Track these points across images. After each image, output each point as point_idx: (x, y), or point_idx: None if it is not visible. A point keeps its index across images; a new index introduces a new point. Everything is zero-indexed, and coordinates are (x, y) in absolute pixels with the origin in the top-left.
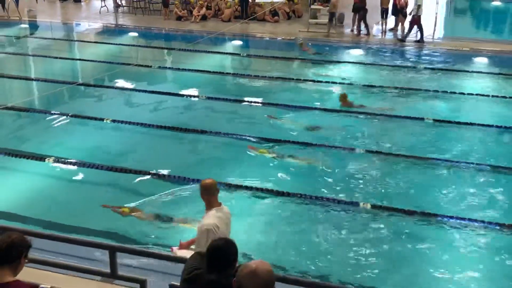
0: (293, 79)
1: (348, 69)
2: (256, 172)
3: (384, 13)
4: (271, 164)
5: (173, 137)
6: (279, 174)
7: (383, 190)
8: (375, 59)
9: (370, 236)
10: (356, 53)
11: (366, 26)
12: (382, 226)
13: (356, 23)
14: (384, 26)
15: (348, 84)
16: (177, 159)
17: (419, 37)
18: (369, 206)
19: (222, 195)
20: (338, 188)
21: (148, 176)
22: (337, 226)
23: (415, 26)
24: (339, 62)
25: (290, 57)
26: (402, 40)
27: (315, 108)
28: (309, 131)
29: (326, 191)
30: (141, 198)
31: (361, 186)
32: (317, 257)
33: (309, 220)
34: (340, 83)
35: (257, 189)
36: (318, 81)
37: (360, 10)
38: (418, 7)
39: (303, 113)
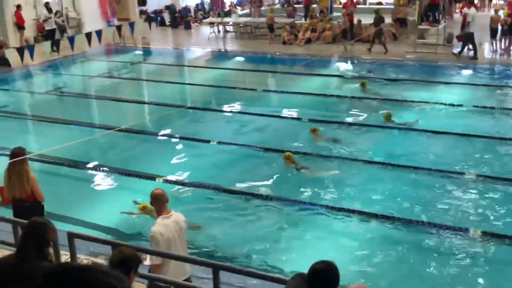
0: (401, 100)
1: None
2: (363, 195)
3: (494, 33)
4: (374, 188)
5: (278, 159)
6: (382, 198)
7: (491, 217)
8: (486, 80)
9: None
10: (468, 74)
11: (474, 46)
12: (493, 255)
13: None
14: (494, 46)
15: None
16: (282, 181)
17: None
18: (479, 233)
19: (323, 218)
20: (447, 214)
21: (252, 197)
22: (445, 254)
23: None
24: (450, 83)
25: (396, 79)
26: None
27: (443, 132)
28: (421, 154)
29: (428, 216)
30: (243, 219)
31: (469, 212)
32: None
33: (413, 245)
34: (450, 104)
35: (360, 212)
36: (428, 102)
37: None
38: None
39: (424, 136)
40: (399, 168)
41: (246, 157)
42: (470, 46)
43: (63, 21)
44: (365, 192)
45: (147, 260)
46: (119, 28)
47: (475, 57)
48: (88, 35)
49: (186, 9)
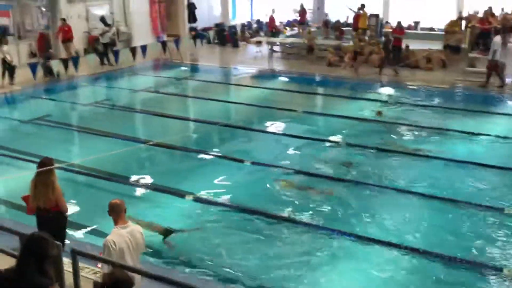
0: (447, 129)
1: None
2: (395, 225)
3: None
4: (409, 219)
5: (310, 182)
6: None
7: None
8: None
9: None
10: None
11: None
12: None
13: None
14: None
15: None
16: (312, 205)
17: None
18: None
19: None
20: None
21: (283, 221)
22: None
23: None
24: (497, 114)
25: (443, 107)
26: None
27: (484, 165)
28: (460, 186)
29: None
30: (266, 242)
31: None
32: None
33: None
34: (496, 136)
35: (391, 244)
36: (472, 133)
37: None
38: None
39: (465, 167)
40: (435, 199)
41: (277, 179)
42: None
43: (113, 34)
44: (397, 222)
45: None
46: (164, 43)
47: (501, 85)
48: (133, 50)
49: (234, 28)
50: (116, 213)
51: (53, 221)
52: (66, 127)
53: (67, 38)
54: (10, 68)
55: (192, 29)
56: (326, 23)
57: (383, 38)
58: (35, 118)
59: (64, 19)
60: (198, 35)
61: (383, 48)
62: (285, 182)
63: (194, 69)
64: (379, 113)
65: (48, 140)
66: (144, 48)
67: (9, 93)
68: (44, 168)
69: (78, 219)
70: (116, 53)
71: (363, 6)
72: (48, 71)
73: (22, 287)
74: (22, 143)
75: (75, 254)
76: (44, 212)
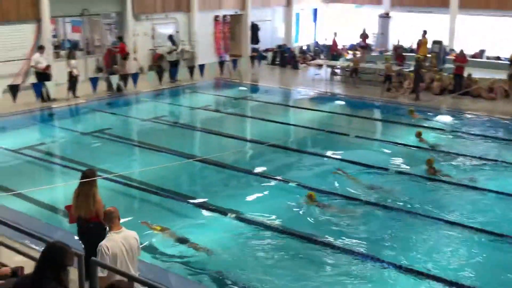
0: (503, 161)
1: None
2: (440, 258)
3: None
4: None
5: (353, 207)
6: None
7: None
8: None
9: None
10: None
11: None
12: None
13: None
14: None
15: None
16: (359, 231)
17: None
18: None
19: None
20: None
21: (326, 247)
22: None
23: None
24: None
25: (502, 138)
26: None
27: None
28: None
29: None
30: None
31: None
32: None
33: None
34: None
35: (429, 276)
36: None
37: None
38: None
39: None
40: (485, 233)
41: (322, 202)
42: None
43: (178, 53)
44: (438, 254)
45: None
46: (222, 63)
47: None
48: (192, 68)
49: (295, 50)
50: (110, 219)
51: (92, 231)
52: (123, 141)
53: (123, 55)
54: (74, 81)
55: (254, 50)
56: (397, 48)
57: (446, 65)
58: (95, 130)
59: (120, 37)
60: (258, 56)
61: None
62: (328, 206)
63: (253, 89)
64: (419, 134)
65: (104, 152)
66: (202, 67)
67: (73, 105)
68: (86, 180)
69: None
70: (177, 72)
71: (425, 32)
72: (111, 86)
73: None
74: (80, 154)
75: (95, 266)
76: (85, 222)
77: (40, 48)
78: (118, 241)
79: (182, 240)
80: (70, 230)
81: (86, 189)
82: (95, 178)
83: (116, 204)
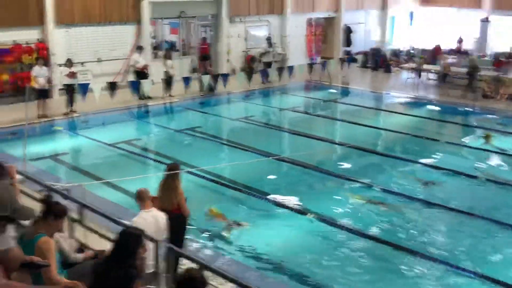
0: None
1: None
2: None
3: None
4: None
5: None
6: None
7: None
8: None
9: None
10: None
11: None
12: None
13: None
14: None
15: None
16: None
17: None
18: None
19: None
20: None
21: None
22: None
23: None
24: None
25: None
26: None
27: None
28: None
29: None
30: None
31: None
32: None
33: None
34: None
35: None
36: None
37: None
38: None
39: None
40: None
41: (406, 208)
42: None
43: (272, 55)
44: None
45: None
46: (311, 65)
47: None
48: (281, 70)
49: (388, 53)
50: (142, 199)
51: (174, 222)
52: (212, 139)
53: (201, 55)
54: (169, 81)
55: (346, 52)
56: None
57: None
58: (187, 128)
59: (204, 38)
60: (348, 58)
61: None
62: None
63: (343, 92)
64: (487, 137)
65: (193, 149)
66: (291, 68)
67: (168, 104)
68: (170, 173)
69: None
70: (267, 73)
71: None
72: (203, 86)
73: (112, 276)
74: (171, 149)
75: (172, 251)
76: (167, 213)
77: (139, 48)
78: (148, 219)
79: (260, 236)
80: None
81: (169, 182)
82: (179, 171)
83: (199, 197)
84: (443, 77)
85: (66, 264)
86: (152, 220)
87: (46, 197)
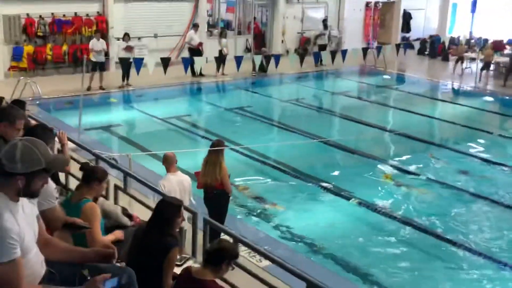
0: None
1: None
2: None
3: None
4: None
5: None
6: None
7: None
8: None
9: None
10: None
11: None
12: None
13: None
14: None
15: None
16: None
17: None
18: None
19: None
20: None
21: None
22: None
23: None
24: None
25: None
26: None
27: None
28: None
29: None
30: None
31: None
32: None
33: None
34: None
35: None
36: None
37: None
38: None
39: None
40: None
41: (451, 199)
42: None
43: (328, 37)
44: None
45: None
46: (365, 50)
47: None
48: (334, 53)
49: (447, 40)
50: (168, 163)
51: (216, 198)
52: (261, 119)
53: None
54: (222, 59)
55: (404, 38)
56: None
57: None
58: (237, 107)
59: (254, 18)
60: (405, 45)
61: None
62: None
63: (398, 78)
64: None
65: (241, 128)
66: (344, 52)
67: (220, 82)
68: (214, 149)
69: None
70: (322, 56)
71: None
72: (255, 66)
73: (150, 241)
74: (219, 127)
75: (207, 223)
76: (210, 188)
77: (195, 26)
78: (173, 182)
79: (300, 218)
80: (198, 194)
81: (213, 158)
82: (223, 148)
83: (241, 175)
84: (486, 67)
85: (114, 227)
86: (177, 183)
87: (85, 164)
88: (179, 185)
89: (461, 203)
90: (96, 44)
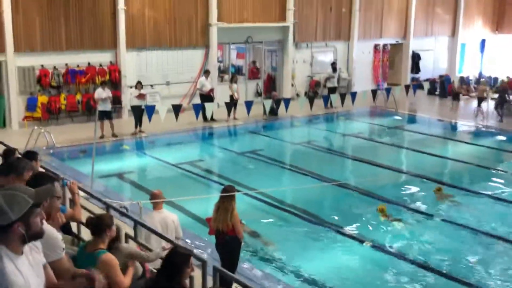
0: None
1: None
2: None
3: None
4: None
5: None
6: None
7: None
8: None
9: None
10: None
11: None
12: None
13: None
14: None
15: None
16: None
17: None
18: None
19: None
20: None
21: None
22: None
23: None
24: None
25: None
26: None
27: None
28: None
29: None
30: None
31: None
32: None
33: None
34: None
35: None
36: None
37: None
38: None
39: None
40: None
41: (469, 240)
42: None
43: (337, 80)
44: None
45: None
46: (375, 92)
47: None
48: (343, 96)
49: (451, 80)
50: (155, 200)
51: (228, 244)
52: (273, 162)
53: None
54: (234, 104)
55: (414, 79)
56: None
57: None
58: (249, 151)
59: (254, 62)
60: (415, 85)
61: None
62: None
63: (409, 119)
64: (439, 190)
65: (253, 172)
66: (354, 94)
67: (232, 126)
68: (226, 194)
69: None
70: (331, 98)
71: None
72: (268, 110)
73: None
74: (232, 171)
75: (216, 271)
76: (222, 234)
77: (206, 73)
78: (155, 218)
79: (315, 263)
80: (210, 240)
81: (225, 204)
82: (235, 193)
83: (253, 219)
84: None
85: None
86: (160, 220)
87: (89, 219)
88: (161, 222)
89: (480, 245)
90: (101, 93)
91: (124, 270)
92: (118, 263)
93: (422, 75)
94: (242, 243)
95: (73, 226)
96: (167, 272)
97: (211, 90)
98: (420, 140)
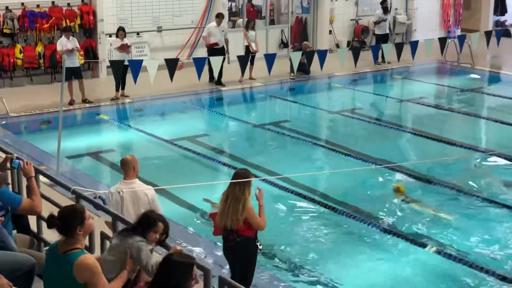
0: None
1: None
2: None
3: None
4: None
5: None
6: None
7: None
8: None
9: None
10: None
11: None
12: None
13: None
14: None
15: None
16: None
17: None
18: None
19: None
20: None
21: None
22: None
23: None
24: None
25: None
26: None
27: None
28: None
29: None
30: None
31: None
32: None
33: None
34: None
35: None
36: None
37: None
38: None
39: None
40: None
41: None
42: None
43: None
44: None
45: None
46: (444, 40)
47: None
48: (401, 46)
49: None
50: (124, 168)
51: (239, 247)
52: (301, 137)
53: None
54: (250, 59)
55: (498, 23)
56: None
57: None
58: (270, 122)
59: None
60: (499, 32)
61: None
62: None
63: (490, 78)
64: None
65: (277, 150)
66: (415, 44)
67: (247, 89)
68: (238, 181)
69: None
70: (382, 49)
71: None
72: (297, 67)
73: None
74: (247, 150)
75: (223, 283)
76: (231, 234)
77: (218, 17)
78: (123, 190)
79: (353, 271)
80: (216, 240)
81: (236, 192)
82: (249, 179)
83: (275, 214)
84: None
85: None
86: (130, 192)
87: (50, 217)
88: (131, 195)
89: None
90: (66, 43)
91: (118, 264)
92: (99, 267)
93: (509, 18)
94: (261, 247)
95: (32, 221)
96: (162, 281)
97: (226, 41)
98: (506, 107)
